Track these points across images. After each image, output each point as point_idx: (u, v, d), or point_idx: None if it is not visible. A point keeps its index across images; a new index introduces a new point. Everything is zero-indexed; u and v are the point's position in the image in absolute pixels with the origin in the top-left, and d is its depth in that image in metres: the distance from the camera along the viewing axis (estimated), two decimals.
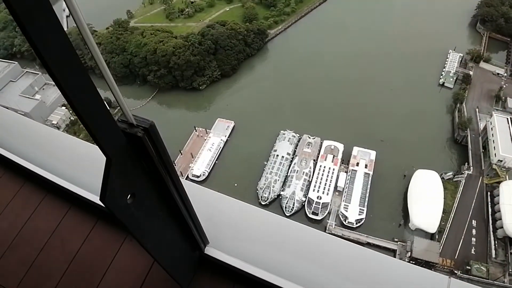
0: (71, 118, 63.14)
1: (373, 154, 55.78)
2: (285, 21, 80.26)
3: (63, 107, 64.12)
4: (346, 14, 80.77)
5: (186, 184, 2.28)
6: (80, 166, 3.60)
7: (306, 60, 71.65)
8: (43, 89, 66.75)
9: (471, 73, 67.21)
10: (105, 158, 1.43)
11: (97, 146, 1.37)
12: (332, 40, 75.23)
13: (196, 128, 62.06)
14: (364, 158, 55.58)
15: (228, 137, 60.70)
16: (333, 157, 56.12)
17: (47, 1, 0.95)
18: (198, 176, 54.62)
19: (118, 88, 1.43)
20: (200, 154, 57.93)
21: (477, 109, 61.33)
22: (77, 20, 1.13)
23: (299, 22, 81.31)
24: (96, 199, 3.05)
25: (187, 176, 54.41)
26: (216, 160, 57.73)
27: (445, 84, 66.98)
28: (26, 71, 68.57)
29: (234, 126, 62.16)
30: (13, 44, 76.86)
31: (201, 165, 56.29)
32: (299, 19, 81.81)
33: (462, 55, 70.71)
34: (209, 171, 56.21)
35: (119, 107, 1.52)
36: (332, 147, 57.33)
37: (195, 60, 67.44)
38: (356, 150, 56.26)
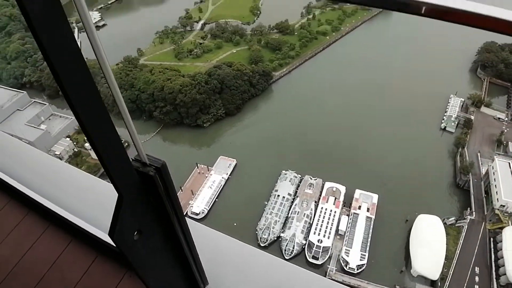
0: (75, 149, 63.56)
1: (375, 197, 55.15)
2: (290, 64, 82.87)
3: (67, 138, 64.79)
4: (347, 60, 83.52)
5: (189, 222, 2.32)
6: (84, 199, 3.63)
7: (309, 102, 73.07)
8: (49, 119, 67.83)
9: (472, 117, 68.18)
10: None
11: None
12: (335, 83, 77.17)
13: (198, 165, 62.11)
14: (366, 201, 54.88)
15: (229, 175, 60.51)
16: (335, 200, 55.45)
17: (72, 39, 0.98)
18: (197, 214, 53.83)
19: (134, 127, 1.52)
20: (200, 191, 57.48)
21: (478, 154, 61.40)
22: (99, 56, 1.15)
23: (303, 65, 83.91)
24: (98, 232, 3.05)
25: (186, 213, 53.66)
26: (216, 198, 57.15)
27: (447, 129, 67.81)
28: (34, 101, 70.06)
29: (236, 164, 62.19)
30: (23, 74, 79.06)
31: (201, 203, 55.66)
32: (303, 63, 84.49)
33: (463, 99, 72.08)
34: (208, 209, 55.47)
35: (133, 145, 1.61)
36: (334, 189, 56.83)
37: (201, 98, 68.94)
38: (358, 193, 55.68)
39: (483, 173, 57.70)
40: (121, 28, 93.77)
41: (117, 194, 1.50)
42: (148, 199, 1.73)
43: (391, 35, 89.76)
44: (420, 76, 76.21)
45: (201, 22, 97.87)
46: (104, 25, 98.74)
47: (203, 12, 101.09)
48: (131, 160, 1.58)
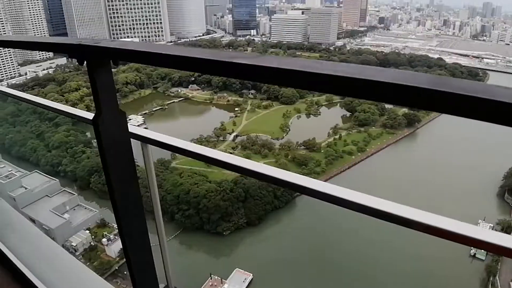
0: (91, 243, 62.83)
1: None
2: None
3: (87, 231, 64.70)
4: (372, 180, 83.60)
5: None
6: None
7: (332, 219, 71.21)
8: (74, 209, 69.11)
9: None
10: None
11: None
12: None
13: (212, 275, 58.75)
14: None
15: None
16: None
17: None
18: None
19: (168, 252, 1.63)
20: None
21: (511, 283, 56.95)
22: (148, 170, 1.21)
23: (328, 182, 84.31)
24: None
25: None
26: None
27: (477, 255, 63.14)
28: (64, 190, 72.59)
29: (252, 279, 58.31)
30: (60, 163, 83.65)
31: None
32: (328, 179, 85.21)
33: (492, 225, 69.09)
34: None
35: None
36: None
37: (224, 206, 69.17)
38: None
39: None
40: (160, 131, 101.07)
41: None
42: None
43: (415, 158, 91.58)
44: (446, 199, 74.91)
45: (234, 134, 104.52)
46: (145, 128, 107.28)
47: (237, 125, 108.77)
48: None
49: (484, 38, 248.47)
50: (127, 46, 1.91)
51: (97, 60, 2.12)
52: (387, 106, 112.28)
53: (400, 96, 1.15)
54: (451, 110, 1.07)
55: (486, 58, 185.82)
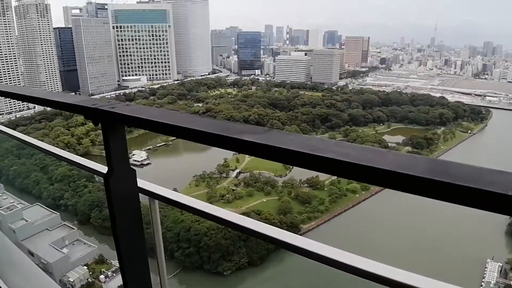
0: (89, 279, 61.43)
1: None
2: (319, 218, 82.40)
3: (85, 267, 63.30)
4: (376, 220, 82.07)
5: None
6: None
7: None
8: (73, 244, 67.77)
9: None
10: None
11: None
12: (364, 242, 74.07)
13: None
14: None
15: None
16: None
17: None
18: None
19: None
20: None
21: None
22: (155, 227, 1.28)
23: (332, 221, 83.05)
24: None
25: None
26: None
27: None
28: (64, 224, 71.50)
29: None
30: (62, 197, 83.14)
31: None
32: (332, 218, 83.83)
33: (501, 264, 67.51)
34: None
35: None
36: None
37: (225, 244, 67.59)
38: None
39: None
40: (163, 168, 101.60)
41: None
42: None
43: (419, 197, 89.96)
44: (452, 239, 73.25)
45: (237, 171, 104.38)
46: (148, 163, 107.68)
47: (240, 162, 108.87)
48: None
49: (486, 76, 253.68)
50: (142, 114, 2.00)
51: (111, 124, 2.24)
52: (391, 144, 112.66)
53: (400, 184, 1.25)
54: (449, 199, 1.14)
55: (488, 96, 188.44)
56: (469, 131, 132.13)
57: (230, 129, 1.64)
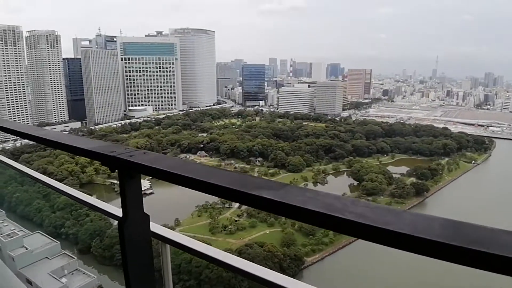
0: None
1: None
2: (323, 251, 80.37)
3: None
4: (378, 253, 79.84)
5: None
6: None
7: None
8: (72, 273, 65.61)
9: None
10: None
11: None
12: (366, 277, 71.93)
13: None
14: None
15: None
16: None
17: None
18: None
19: None
20: None
21: None
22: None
23: (337, 253, 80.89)
24: None
25: None
26: None
27: None
28: (64, 253, 69.82)
29: None
30: (63, 225, 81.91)
31: None
32: (336, 251, 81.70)
33: None
34: None
35: None
36: None
37: (227, 277, 65.70)
38: None
39: None
40: (166, 197, 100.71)
41: None
42: None
43: None
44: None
45: None
46: (151, 193, 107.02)
47: None
48: None
49: (488, 106, 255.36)
50: (160, 165, 2.03)
51: (128, 172, 2.29)
52: (395, 175, 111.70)
53: (416, 248, 1.27)
54: (463, 263, 1.14)
55: (491, 126, 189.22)
56: (473, 161, 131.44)
57: (248, 184, 1.64)
